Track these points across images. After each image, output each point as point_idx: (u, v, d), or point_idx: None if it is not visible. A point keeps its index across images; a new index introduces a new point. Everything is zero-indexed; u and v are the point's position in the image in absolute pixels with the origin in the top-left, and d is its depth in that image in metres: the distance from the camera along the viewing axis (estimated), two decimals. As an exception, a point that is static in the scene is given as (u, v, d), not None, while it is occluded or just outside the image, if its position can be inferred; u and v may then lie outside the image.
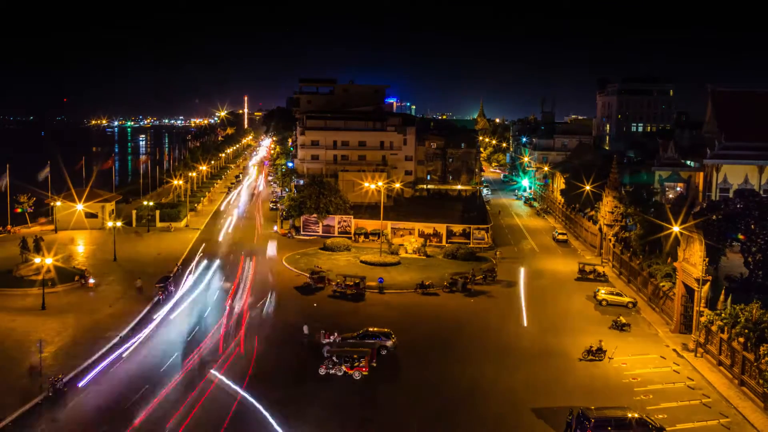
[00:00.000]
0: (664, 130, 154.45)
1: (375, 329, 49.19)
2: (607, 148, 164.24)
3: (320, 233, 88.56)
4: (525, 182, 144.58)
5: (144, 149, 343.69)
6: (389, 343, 47.69)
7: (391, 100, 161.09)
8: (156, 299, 58.32)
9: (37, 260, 60.82)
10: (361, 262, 74.41)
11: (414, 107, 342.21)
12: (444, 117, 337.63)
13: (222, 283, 65.20)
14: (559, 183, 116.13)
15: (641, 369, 45.71)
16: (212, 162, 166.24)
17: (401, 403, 39.86)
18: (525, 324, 55.35)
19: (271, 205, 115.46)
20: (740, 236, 57.30)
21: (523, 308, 59.74)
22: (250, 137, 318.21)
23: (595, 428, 34.68)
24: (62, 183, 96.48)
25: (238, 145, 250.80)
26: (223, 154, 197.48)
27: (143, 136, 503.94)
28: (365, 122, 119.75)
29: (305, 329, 50.15)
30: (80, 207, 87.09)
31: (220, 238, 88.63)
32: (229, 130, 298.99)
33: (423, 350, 48.28)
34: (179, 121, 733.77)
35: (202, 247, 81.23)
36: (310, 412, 38.03)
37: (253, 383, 41.74)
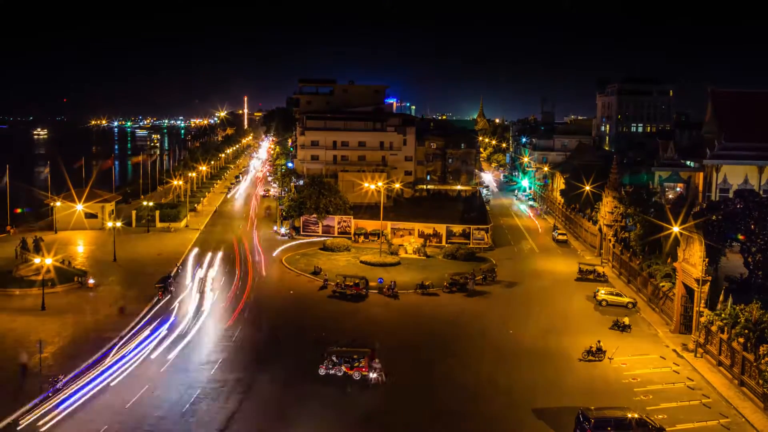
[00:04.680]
0: (663, 131, 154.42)
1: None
2: (606, 148, 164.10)
3: (320, 234, 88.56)
4: (525, 182, 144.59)
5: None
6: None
7: (391, 101, 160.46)
8: (155, 299, 58.40)
9: (37, 260, 60.81)
10: (361, 262, 74.40)
11: (414, 107, 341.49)
12: (444, 117, 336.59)
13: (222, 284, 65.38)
14: (559, 183, 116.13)
15: (641, 369, 45.71)
16: (212, 162, 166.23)
17: (401, 403, 39.84)
18: (524, 325, 55.29)
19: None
20: (740, 236, 57.21)
21: (523, 309, 59.76)
22: (250, 137, 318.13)
23: (594, 428, 34.68)
24: (62, 183, 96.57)
25: (237, 146, 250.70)
26: (223, 155, 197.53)
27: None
28: (365, 123, 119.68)
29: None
30: (80, 207, 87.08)
31: (220, 239, 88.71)
32: (229, 131, 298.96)
33: (423, 350, 48.26)
34: (179, 122, 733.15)
35: (199, 249, 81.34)
36: (309, 412, 38.03)
37: (254, 382, 41.84)
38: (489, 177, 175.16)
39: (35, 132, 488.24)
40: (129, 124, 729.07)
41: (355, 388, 41.43)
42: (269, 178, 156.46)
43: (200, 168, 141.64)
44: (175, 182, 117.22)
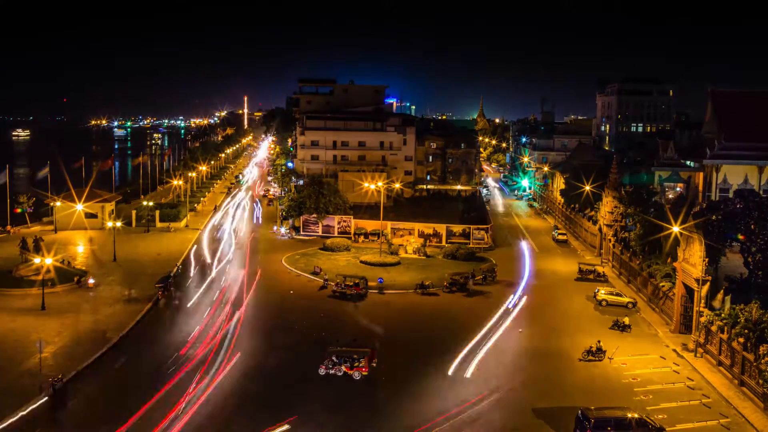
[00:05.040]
0: (663, 131, 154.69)
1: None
2: (606, 148, 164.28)
3: (320, 233, 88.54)
4: (525, 182, 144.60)
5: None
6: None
7: (391, 100, 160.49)
8: (155, 299, 58.41)
9: (37, 260, 60.80)
10: (361, 262, 74.39)
11: (414, 107, 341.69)
12: (444, 117, 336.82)
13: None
14: (559, 183, 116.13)
15: (641, 369, 45.70)
16: (212, 162, 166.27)
17: (401, 403, 39.83)
18: (524, 324, 55.28)
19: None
20: (740, 236, 57.21)
21: (523, 309, 59.75)
22: (250, 137, 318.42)
23: (594, 428, 34.67)
24: (62, 183, 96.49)
25: (237, 146, 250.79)
26: (223, 155, 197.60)
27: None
28: (365, 122, 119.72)
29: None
30: (80, 207, 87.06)
31: (220, 239, 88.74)
32: (229, 131, 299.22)
33: (423, 350, 48.23)
34: (179, 122, 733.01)
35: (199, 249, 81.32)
36: (309, 411, 38.02)
37: (253, 382, 41.84)
38: (489, 177, 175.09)
39: (14, 133, 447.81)
40: (129, 124, 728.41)
41: (356, 388, 41.43)
42: (269, 178, 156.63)
43: (200, 168, 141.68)
44: (175, 182, 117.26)
